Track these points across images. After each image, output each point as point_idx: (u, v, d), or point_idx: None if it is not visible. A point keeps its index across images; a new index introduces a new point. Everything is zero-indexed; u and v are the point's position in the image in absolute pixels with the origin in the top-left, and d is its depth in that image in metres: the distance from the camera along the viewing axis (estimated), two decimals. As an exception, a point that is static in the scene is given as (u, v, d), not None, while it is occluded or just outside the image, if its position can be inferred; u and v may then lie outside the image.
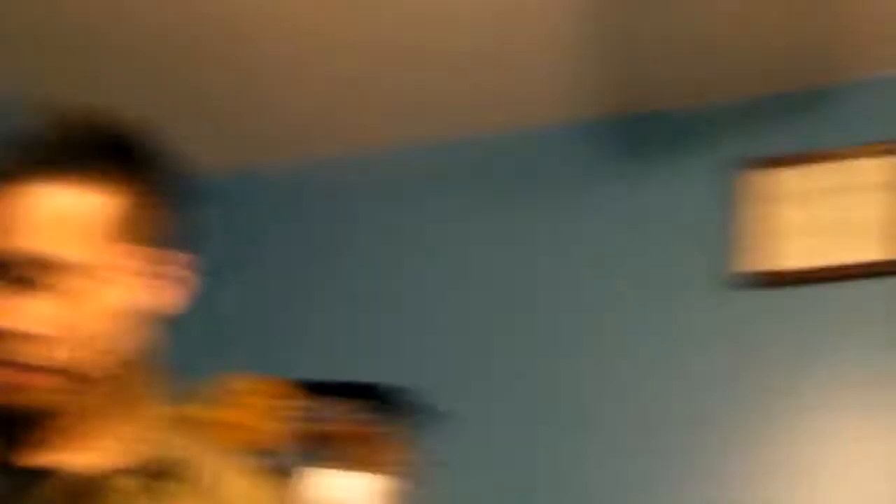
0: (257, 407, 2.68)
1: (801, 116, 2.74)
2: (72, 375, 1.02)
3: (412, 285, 2.97)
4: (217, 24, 2.56)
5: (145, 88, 2.79)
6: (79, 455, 1.04)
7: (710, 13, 2.47)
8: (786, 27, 2.53)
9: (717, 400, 2.63)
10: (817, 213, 2.68)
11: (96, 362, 1.04)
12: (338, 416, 2.74)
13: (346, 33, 2.57)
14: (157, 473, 1.06)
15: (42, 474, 1.02)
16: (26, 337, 1.00)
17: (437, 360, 2.86)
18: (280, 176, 3.19)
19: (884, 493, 2.43)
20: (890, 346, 2.51)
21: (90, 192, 1.04)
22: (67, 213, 1.02)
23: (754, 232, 2.70)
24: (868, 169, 2.67)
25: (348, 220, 3.09)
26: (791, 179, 2.73)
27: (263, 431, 2.65)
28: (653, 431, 2.65)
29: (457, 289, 2.92)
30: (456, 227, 2.97)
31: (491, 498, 2.70)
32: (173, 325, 1.16)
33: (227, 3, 2.49)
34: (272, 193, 3.20)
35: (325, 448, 2.76)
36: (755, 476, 2.55)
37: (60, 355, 1.01)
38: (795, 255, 2.67)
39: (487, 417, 2.77)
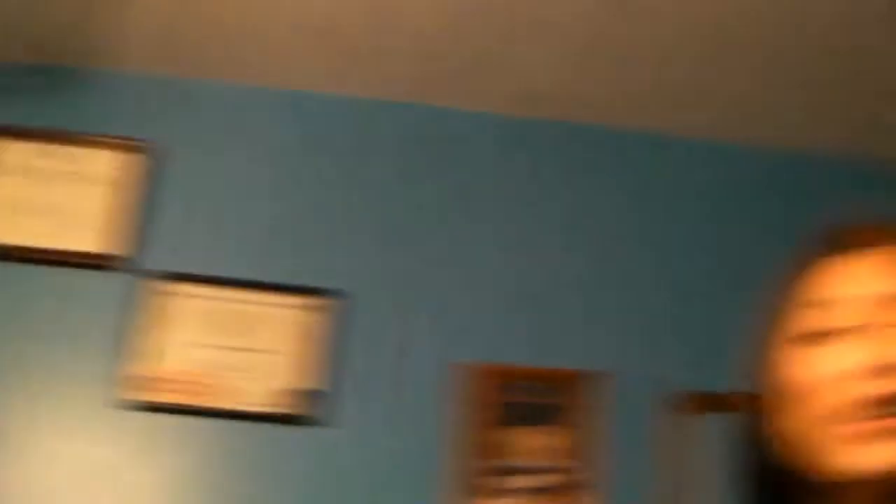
0: None
1: (41, 92, 2.64)
2: None
3: None
4: None
5: None
6: None
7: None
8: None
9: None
10: (38, 194, 2.60)
11: None
12: None
13: None
14: None
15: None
16: None
17: None
18: None
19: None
20: (107, 337, 2.50)
21: None
22: None
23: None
24: (97, 160, 2.64)
25: None
26: (14, 153, 2.62)
27: None
28: None
29: None
30: None
31: None
32: None
33: None
34: None
35: None
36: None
37: None
38: (7, 232, 2.57)
39: None
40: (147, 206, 2.61)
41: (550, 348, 2.76)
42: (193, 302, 2.58)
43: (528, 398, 2.68)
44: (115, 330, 2.54)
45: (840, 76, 2.71)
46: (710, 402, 2.74)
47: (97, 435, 2.50)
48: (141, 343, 2.52)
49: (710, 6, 2.44)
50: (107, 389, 2.52)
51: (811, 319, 1.01)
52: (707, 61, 2.65)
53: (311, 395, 2.58)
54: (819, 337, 1.00)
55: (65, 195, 2.61)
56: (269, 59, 2.66)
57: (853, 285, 1.01)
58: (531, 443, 2.64)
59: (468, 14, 2.47)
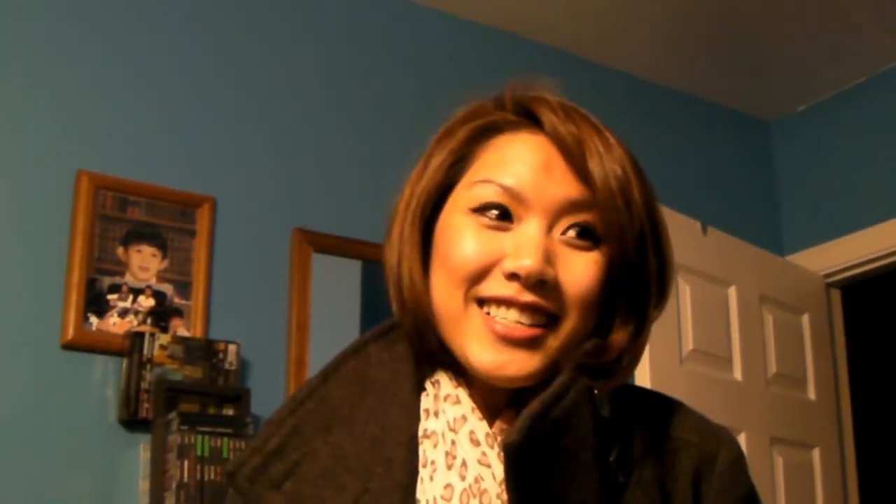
0: None
1: None
2: None
3: None
4: None
5: None
6: None
7: None
8: None
9: None
10: None
11: None
12: None
13: None
14: None
15: None
16: None
17: None
18: None
19: None
20: None
21: None
22: None
23: None
24: None
25: None
26: None
27: None
28: None
29: None
30: None
31: None
32: None
33: None
34: None
35: None
36: None
37: None
38: None
39: None
40: None
41: (176, 170, 2.72)
42: None
43: (145, 216, 2.64)
44: None
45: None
46: (332, 244, 2.85)
47: None
48: None
49: None
50: None
51: (480, 197, 0.98)
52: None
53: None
54: (486, 218, 0.97)
55: None
56: None
57: (524, 175, 0.97)
58: (146, 262, 2.62)
59: None
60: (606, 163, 0.97)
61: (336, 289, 2.85)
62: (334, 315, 2.82)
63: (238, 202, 2.79)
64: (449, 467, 0.96)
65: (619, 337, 0.99)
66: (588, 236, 0.97)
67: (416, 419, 1.01)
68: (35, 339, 2.48)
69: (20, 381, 2.44)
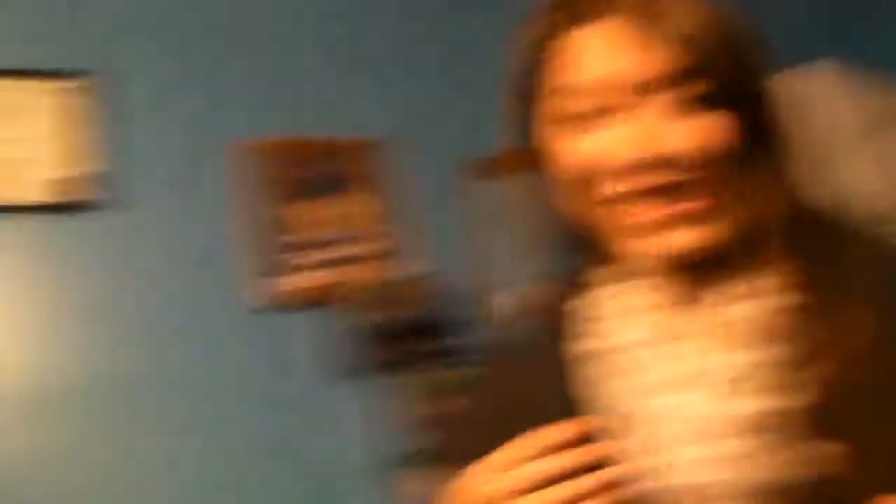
0: None
1: None
2: None
3: None
4: None
5: None
6: None
7: None
8: None
9: None
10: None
11: None
12: None
13: None
14: None
15: None
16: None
17: None
18: None
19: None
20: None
21: None
22: None
23: None
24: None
25: None
26: None
27: None
28: None
29: None
30: None
31: None
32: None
33: None
34: None
35: None
36: None
37: None
38: None
39: None
40: None
41: (333, 118, 2.63)
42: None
43: (319, 170, 2.56)
44: None
45: None
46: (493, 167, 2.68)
47: None
48: None
49: None
50: None
51: (563, 105, 0.95)
52: None
53: (92, 180, 2.34)
54: (578, 122, 0.95)
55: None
56: None
57: (597, 66, 0.94)
58: (328, 215, 2.54)
59: None
60: (682, 20, 0.93)
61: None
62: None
63: (409, 141, 2.69)
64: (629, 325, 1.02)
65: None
66: (694, 100, 0.92)
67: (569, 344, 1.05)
68: (225, 306, 2.43)
69: (219, 348, 2.41)
